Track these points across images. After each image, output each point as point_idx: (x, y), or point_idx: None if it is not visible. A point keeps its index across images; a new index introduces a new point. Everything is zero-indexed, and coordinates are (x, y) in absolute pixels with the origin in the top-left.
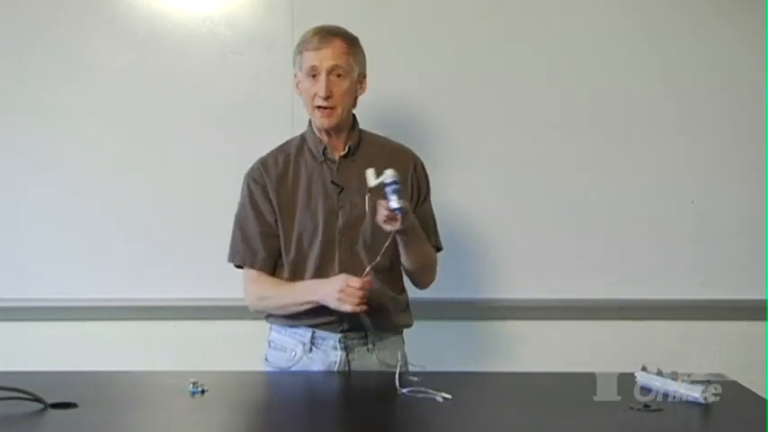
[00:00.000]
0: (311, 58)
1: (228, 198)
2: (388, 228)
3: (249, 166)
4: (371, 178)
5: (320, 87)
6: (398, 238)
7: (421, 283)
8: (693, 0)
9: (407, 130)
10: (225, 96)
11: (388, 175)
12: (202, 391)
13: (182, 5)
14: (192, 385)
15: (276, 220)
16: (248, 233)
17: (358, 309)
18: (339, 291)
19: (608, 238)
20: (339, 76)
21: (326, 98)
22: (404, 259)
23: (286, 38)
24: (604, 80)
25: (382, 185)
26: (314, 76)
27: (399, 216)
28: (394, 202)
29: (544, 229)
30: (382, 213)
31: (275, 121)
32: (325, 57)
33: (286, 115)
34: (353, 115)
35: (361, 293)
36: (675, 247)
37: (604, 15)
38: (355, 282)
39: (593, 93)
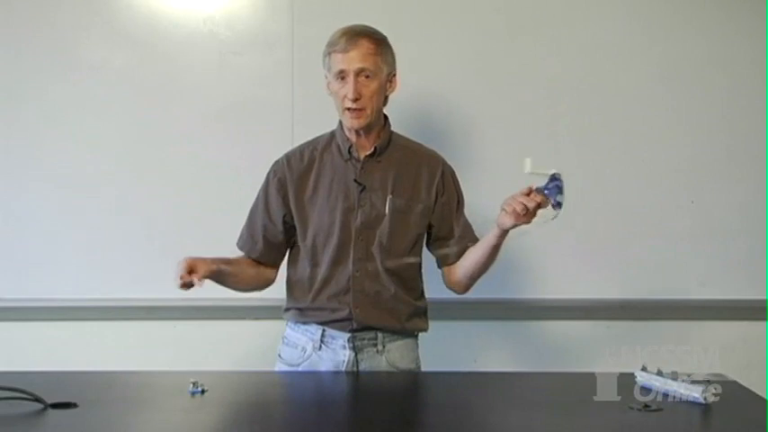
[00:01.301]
0: (339, 61)
1: (228, 197)
2: (520, 221)
3: (249, 166)
4: (528, 166)
5: (348, 89)
6: (495, 240)
7: (469, 289)
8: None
9: (406, 129)
10: (225, 97)
11: (558, 174)
12: (202, 391)
13: (182, 5)
14: (192, 385)
15: (287, 215)
16: (254, 222)
17: (185, 288)
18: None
19: (608, 237)
20: (367, 77)
21: (355, 100)
22: (482, 262)
23: (286, 38)
24: (604, 80)
25: (548, 178)
26: (342, 78)
27: (558, 213)
28: (559, 197)
29: (544, 229)
30: (525, 205)
31: (275, 121)
32: (353, 59)
33: (286, 115)
34: (385, 116)
35: (181, 271)
36: (675, 247)
37: (605, 15)
38: (181, 261)
39: (594, 92)
